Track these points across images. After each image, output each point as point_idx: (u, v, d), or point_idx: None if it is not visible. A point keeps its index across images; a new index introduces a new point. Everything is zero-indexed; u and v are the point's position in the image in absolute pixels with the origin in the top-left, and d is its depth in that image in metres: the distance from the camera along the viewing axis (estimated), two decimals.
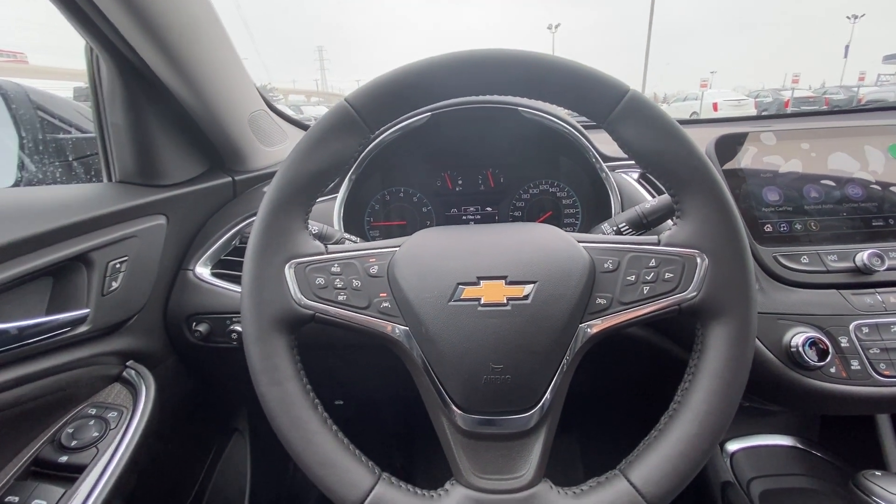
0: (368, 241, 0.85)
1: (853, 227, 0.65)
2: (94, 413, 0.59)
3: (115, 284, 0.62)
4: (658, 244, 0.47)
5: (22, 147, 0.74)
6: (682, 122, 1.36)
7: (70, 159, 0.82)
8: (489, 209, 0.86)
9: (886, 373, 0.58)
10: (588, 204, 0.84)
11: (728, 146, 0.69)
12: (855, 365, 0.58)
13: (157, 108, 0.71)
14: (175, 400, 0.76)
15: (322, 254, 0.48)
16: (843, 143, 0.68)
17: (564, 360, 0.45)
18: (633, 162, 0.75)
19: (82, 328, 0.57)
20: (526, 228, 0.51)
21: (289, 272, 0.46)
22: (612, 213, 0.73)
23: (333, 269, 0.47)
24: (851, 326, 0.59)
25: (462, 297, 0.44)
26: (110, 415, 0.60)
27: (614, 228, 0.62)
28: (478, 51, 0.48)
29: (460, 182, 0.86)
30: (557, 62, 0.48)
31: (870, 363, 0.58)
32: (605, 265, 0.47)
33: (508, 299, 0.44)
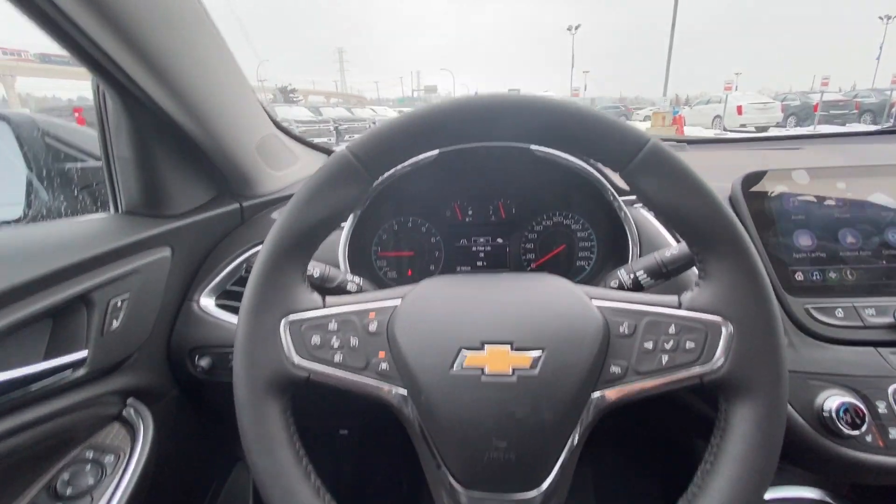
0: (376, 270, 0.84)
1: (894, 276, 0.60)
2: (90, 457, 0.58)
3: (115, 323, 0.61)
4: (679, 307, 0.44)
5: (29, 180, 0.75)
6: (708, 141, 1.31)
7: (77, 189, 0.82)
8: (500, 241, 0.83)
9: None
10: (605, 239, 0.80)
11: (755, 185, 0.64)
12: (894, 434, 0.53)
13: (164, 140, 0.70)
14: (177, 434, 0.75)
15: (319, 308, 0.46)
16: (884, 182, 0.63)
17: (574, 435, 0.41)
18: None
19: (80, 371, 0.56)
20: (536, 282, 0.48)
21: (284, 330, 0.44)
22: (629, 253, 0.69)
23: (331, 327, 0.45)
24: (890, 390, 0.54)
25: (465, 366, 0.41)
26: (107, 459, 0.59)
27: (631, 276, 0.58)
28: (491, 97, 0.45)
29: (470, 213, 0.83)
30: (575, 110, 0.45)
31: None
32: (621, 329, 0.44)
33: (514, 369, 0.41)
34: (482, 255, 0.83)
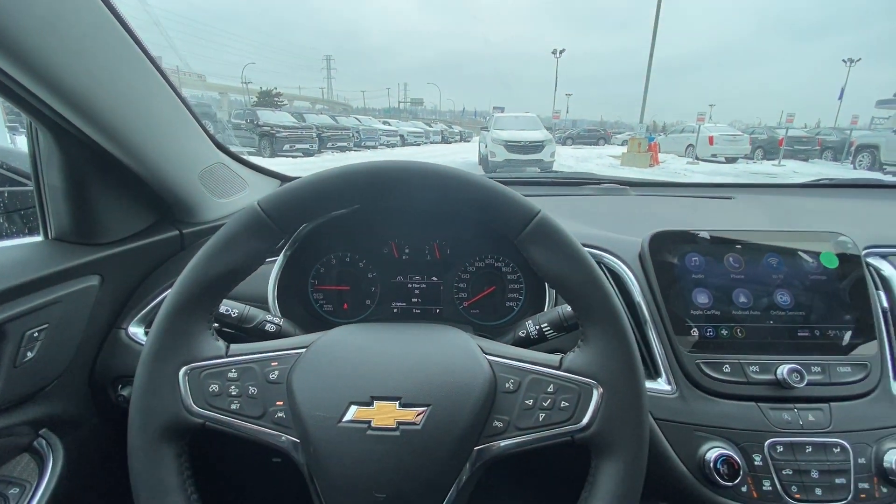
0: (312, 303, 0.86)
1: (778, 336, 0.65)
2: None
3: (30, 354, 0.61)
4: (559, 367, 0.47)
5: None
6: (651, 184, 1.37)
7: (5, 213, 0.81)
8: (434, 279, 0.86)
9: (797, 496, 0.57)
10: (532, 283, 0.84)
11: (663, 243, 0.69)
12: (767, 486, 0.58)
13: (97, 168, 0.71)
14: (90, 465, 0.74)
15: (221, 357, 0.47)
16: (778, 247, 0.69)
17: (454, 488, 0.44)
18: None
19: None
20: (437, 335, 0.51)
21: (183, 378, 0.46)
22: (545, 303, 0.73)
23: (230, 375, 0.47)
24: (766, 444, 0.59)
25: (353, 419, 0.43)
26: (11, 491, 0.59)
27: (537, 328, 0.62)
28: (395, 166, 0.48)
29: (407, 251, 0.86)
30: (473, 180, 0.49)
31: (781, 485, 0.58)
32: (507, 385, 0.47)
33: (399, 424, 0.43)
34: (417, 292, 0.86)
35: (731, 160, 15.15)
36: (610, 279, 0.71)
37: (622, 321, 0.46)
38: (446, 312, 0.86)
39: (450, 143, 29.14)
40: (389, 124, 25.23)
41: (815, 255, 0.68)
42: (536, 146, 11.18)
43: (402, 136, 23.21)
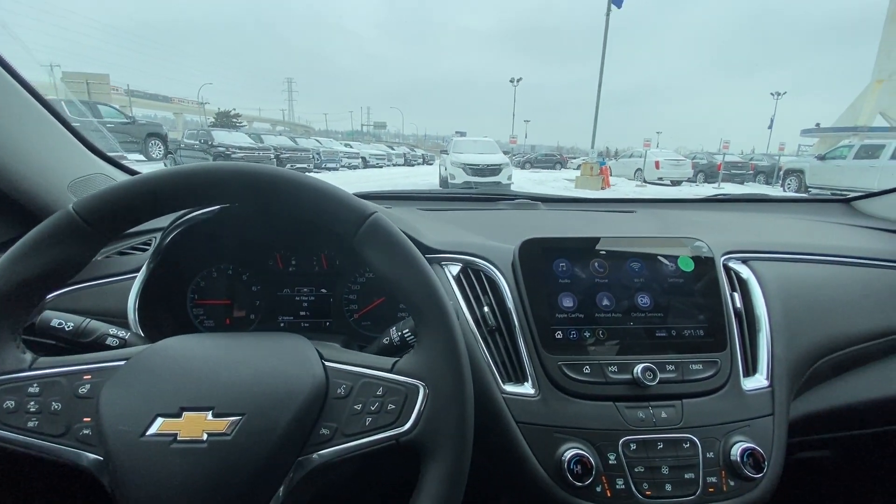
0: (192, 319, 0.82)
1: (637, 337, 0.67)
2: None
3: None
4: (390, 370, 0.47)
5: None
6: (560, 200, 1.43)
7: None
8: (324, 291, 0.84)
9: (648, 493, 0.58)
10: None
11: (533, 250, 0.71)
12: (620, 484, 0.58)
13: None
14: None
15: (21, 371, 0.44)
16: (640, 253, 0.72)
17: (276, 500, 0.42)
18: (454, 255, 0.76)
19: None
20: (268, 344, 0.49)
21: None
22: None
23: (30, 390, 0.43)
24: (620, 442, 0.60)
25: (157, 432, 0.41)
26: None
27: (399, 334, 0.61)
28: (226, 165, 0.47)
29: (294, 263, 0.84)
30: (306, 182, 0.48)
31: (633, 482, 0.59)
32: (339, 391, 0.46)
33: (208, 435, 0.41)
34: (306, 305, 0.84)
35: (676, 183, 16.11)
36: (486, 285, 0.72)
37: (450, 322, 0.46)
38: (336, 325, 0.84)
39: (412, 165, 29.37)
40: (351, 146, 25.19)
41: (674, 259, 0.72)
42: (494, 169, 11.46)
43: (363, 158, 23.19)
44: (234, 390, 0.43)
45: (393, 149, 32.10)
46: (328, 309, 0.84)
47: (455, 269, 0.75)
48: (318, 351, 0.49)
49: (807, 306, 0.77)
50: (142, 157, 12.88)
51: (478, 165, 11.34)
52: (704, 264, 0.72)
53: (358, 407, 0.45)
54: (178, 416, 0.41)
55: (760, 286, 0.75)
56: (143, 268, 0.70)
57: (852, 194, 1.31)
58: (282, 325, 0.83)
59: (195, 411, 0.42)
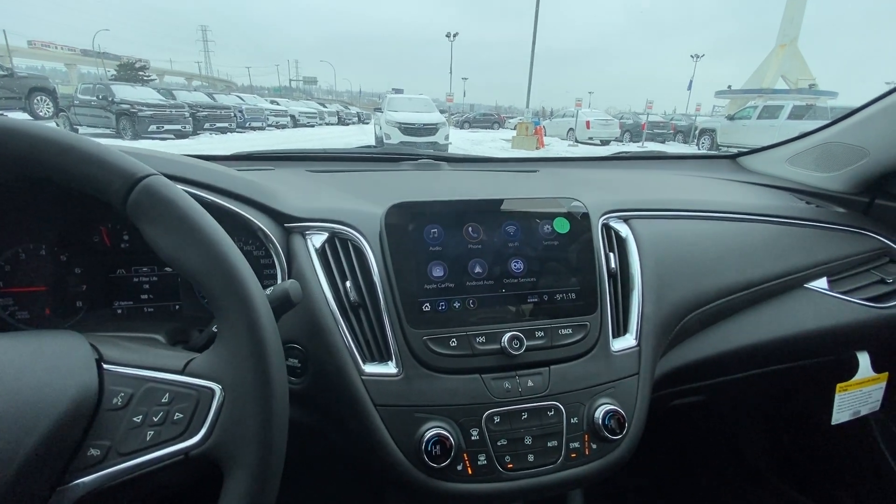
0: None
1: (508, 304, 0.64)
2: None
3: None
4: (181, 371, 0.38)
5: None
6: (467, 159, 1.36)
7: None
8: (168, 269, 0.72)
9: (510, 466, 0.56)
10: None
11: (402, 216, 0.64)
12: (482, 460, 0.56)
13: None
14: None
15: None
16: (516, 215, 0.68)
17: None
18: (319, 222, 0.67)
19: None
20: (25, 348, 0.38)
21: None
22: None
23: None
24: (484, 416, 0.57)
25: None
26: None
27: None
28: None
29: (126, 238, 0.70)
30: (55, 137, 0.37)
31: (496, 456, 0.56)
32: (115, 400, 0.37)
33: None
34: (147, 286, 0.72)
35: (605, 142, 16.74)
36: (353, 256, 0.65)
37: (253, 310, 0.38)
38: (189, 308, 0.73)
39: (347, 124, 27.98)
40: (278, 104, 23.35)
41: (550, 220, 0.69)
42: (430, 129, 11.19)
43: (292, 116, 21.63)
44: None
45: (325, 106, 30.24)
46: (177, 289, 0.73)
47: (319, 239, 0.66)
48: (98, 351, 0.39)
49: (679, 262, 0.78)
50: (27, 116, 11.10)
51: (413, 125, 11.00)
52: (580, 225, 0.69)
53: (138, 419, 0.36)
54: None
55: (637, 245, 0.74)
56: None
57: (738, 150, 1.37)
58: (119, 311, 0.71)
59: None
